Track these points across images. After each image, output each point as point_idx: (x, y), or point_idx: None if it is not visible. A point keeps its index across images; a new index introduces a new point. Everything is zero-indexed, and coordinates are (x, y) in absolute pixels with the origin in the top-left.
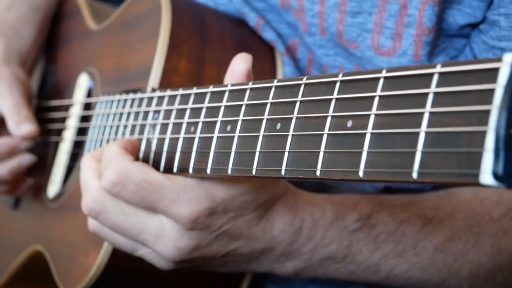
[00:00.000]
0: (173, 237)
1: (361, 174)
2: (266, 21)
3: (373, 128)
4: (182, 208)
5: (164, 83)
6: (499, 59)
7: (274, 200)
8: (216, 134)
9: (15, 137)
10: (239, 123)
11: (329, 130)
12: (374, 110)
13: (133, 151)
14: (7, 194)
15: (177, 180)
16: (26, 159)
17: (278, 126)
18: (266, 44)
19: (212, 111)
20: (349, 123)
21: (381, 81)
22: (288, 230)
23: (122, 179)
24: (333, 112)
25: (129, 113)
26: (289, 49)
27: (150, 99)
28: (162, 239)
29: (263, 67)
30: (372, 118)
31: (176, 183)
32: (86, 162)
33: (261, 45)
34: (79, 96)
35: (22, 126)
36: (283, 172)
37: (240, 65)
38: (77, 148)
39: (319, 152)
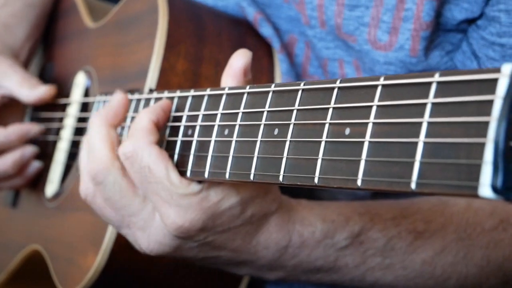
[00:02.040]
0: (157, 232)
1: (359, 182)
2: (265, 16)
3: (371, 136)
4: (170, 211)
5: (162, 83)
6: (497, 70)
7: (263, 217)
8: (213, 137)
9: (23, 125)
10: (237, 127)
11: (327, 137)
12: (372, 119)
13: (164, 119)
14: (15, 188)
15: (177, 182)
16: (29, 150)
17: (276, 131)
18: (263, 43)
19: (210, 115)
20: (347, 131)
21: (379, 88)
22: (272, 248)
23: (132, 157)
24: (331, 119)
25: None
26: (285, 46)
27: (148, 100)
28: (147, 229)
29: (261, 65)
30: (370, 126)
31: (175, 185)
32: (97, 126)
33: (258, 43)
34: (76, 95)
35: (37, 88)
36: (281, 178)
37: (238, 60)
38: (75, 148)
39: (317, 159)
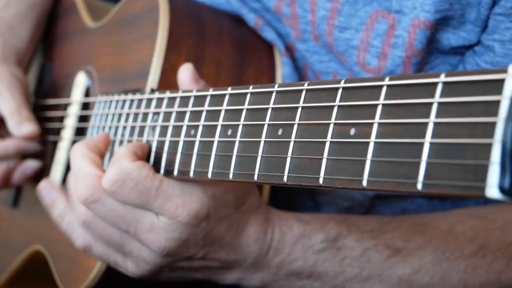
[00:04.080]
0: (166, 229)
1: (364, 183)
2: (266, 21)
3: (376, 137)
4: (178, 201)
5: (163, 83)
6: (504, 70)
7: (248, 210)
8: (216, 137)
9: (22, 140)
10: (240, 127)
11: (331, 138)
12: (377, 119)
13: (142, 155)
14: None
15: (173, 180)
16: (31, 165)
17: (280, 131)
18: (265, 43)
19: (213, 115)
20: (352, 131)
21: (384, 88)
22: (261, 240)
23: (122, 176)
24: (336, 119)
25: (128, 114)
26: (288, 49)
27: (149, 100)
28: (155, 230)
29: (262, 65)
30: (375, 126)
31: (172, 182)
32: (78, 148)
33: (259, 43)
34: (77, 95)
35: (22, 126)
36: (285, 178)
37: (182, 74)
38: None
39: (322, 159)
